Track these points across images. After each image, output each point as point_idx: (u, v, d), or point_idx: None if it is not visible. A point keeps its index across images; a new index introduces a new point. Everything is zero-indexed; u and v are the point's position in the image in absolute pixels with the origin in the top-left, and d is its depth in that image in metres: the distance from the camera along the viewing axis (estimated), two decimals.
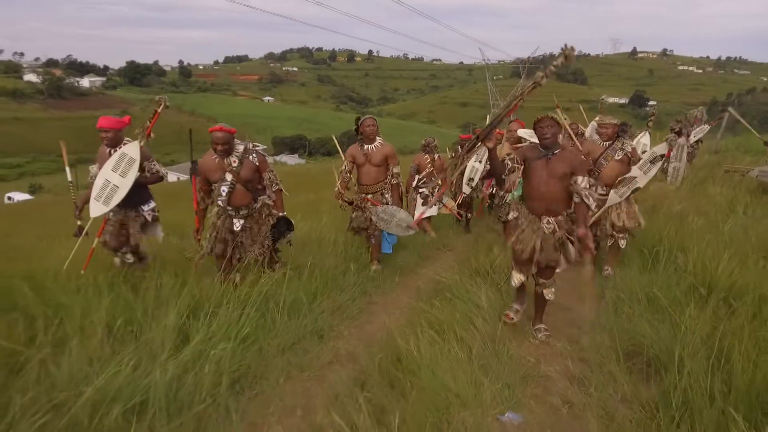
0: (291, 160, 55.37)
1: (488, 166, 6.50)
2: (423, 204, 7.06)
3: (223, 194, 4.23)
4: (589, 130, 8.28)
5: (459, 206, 7.25)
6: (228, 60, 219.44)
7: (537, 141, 4.91)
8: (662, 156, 5.37)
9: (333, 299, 4.53)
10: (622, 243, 5.27)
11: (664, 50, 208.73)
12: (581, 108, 8.32)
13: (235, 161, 4.19)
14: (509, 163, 3.83)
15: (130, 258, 4.59)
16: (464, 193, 7.19)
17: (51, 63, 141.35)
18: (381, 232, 5.49)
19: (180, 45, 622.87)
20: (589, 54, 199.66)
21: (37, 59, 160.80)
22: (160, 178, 4.55)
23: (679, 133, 8.13)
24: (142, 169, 4.33)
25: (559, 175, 3.62)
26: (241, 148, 4.24)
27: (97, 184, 4.21)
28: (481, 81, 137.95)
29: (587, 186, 3.57)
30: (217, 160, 4.19)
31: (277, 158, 56.48)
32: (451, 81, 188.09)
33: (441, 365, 3.03)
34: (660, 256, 4.78)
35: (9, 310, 3.60)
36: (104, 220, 4.51)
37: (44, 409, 2.53)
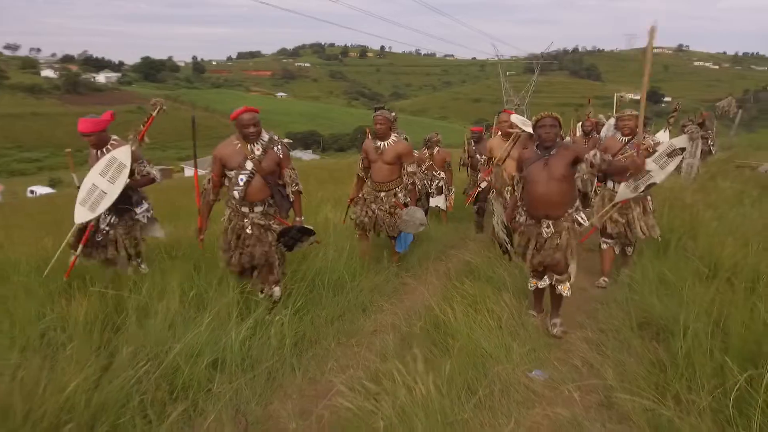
0: (305, 155, 55.86)
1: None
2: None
3: (240, 183, 3.82)
4: (605, 130, 8.51)
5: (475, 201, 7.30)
6: (241, 56, 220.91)
7: (530, 129, 4.89)
8: (682, 149, 4.97)
9: (370, 279, 5.00)
10: (629, 250, 5.23)
11: (680, 46, 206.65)
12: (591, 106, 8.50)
13: (258, 149, 3.84)
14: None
15: (144, 268, 4.49)
16: (480, 187, 6.97)
17: (67, 59, 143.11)
18: (397, 241, 5.42)
19: (194, 41, 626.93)
20: (603, 50, 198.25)
21: (53, 55, 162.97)
22: (152, 180, 4.38)
23: (701, 125, 8.07)
24: (131, 171, 4.14)
25: (560, 174, 3.56)
26: (266, 136, 3.91)
27: (84, 187, 4.05)
28: (493, 77, 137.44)
29: (594, 157, 3.43)
30: (239, 146, 3.83)
31: (292, 153, 57.05)
32: (464, 77, 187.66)
33: (475, 331, 3.48)
34: (671, 244, 5.18)
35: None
36: (88, 229, 4.22)
37: (145, 358, 3.01)
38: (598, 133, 8.11)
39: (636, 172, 3.82)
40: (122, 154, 4.06)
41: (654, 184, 4.92)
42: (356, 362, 3.56)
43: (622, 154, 4.85)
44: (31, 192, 36.23)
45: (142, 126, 4.19)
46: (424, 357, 2.86)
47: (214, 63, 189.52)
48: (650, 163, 4.77)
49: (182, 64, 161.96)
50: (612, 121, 8.01)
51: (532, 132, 4.85)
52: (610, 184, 5.21)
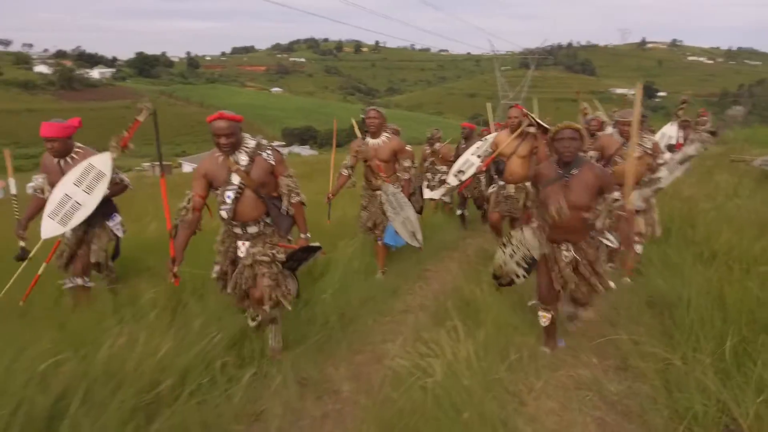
0: (303, 151, 56.13)
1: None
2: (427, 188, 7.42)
3: (228, 201, 3.23)
4: (611, 129, 8.65)
5: (471, 198, 7.43)
6: (235, 51, 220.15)
7: (545, 125, 5.05)
8: (691, 157, 4.96)
9: (395, 266, 5.40)
10: (638, 248, 4.96)
11: (674, 40, 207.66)
12: (597, 103, 8.47)
13: (244, 159, 3.23)
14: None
15: (113, 281, 4.19)
16: (448, 184, 6.73)
17: (60, 54, 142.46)
18: (385, 230, 5.12)
19: (187, 36, 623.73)
20: (597, 44, 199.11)
21: (46, 50, 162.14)
22: (125, 188, 4.08)
23: (713, 134, 8.23)
24: None
25: (581, 203, 3.17)
26: (252, 143, 3.29)
27: (54, 198, 3.66)
28: (488, 72, 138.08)
29: (617, 199, 3.22)
30: (221, 158, 3.23)
31: (290, 149, 57.29)
32: (459, 72, 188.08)
33: (502, 308, 3.89)
34: (672, 232, 5.60)
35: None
36: (55, 245, 3.99)
37: (215, 330, 3.39)
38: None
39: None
40: (101, 161, 3.73)
41: (660, 189, 4.93)
42: (394, 336, 3.96)
43: (619, 155, 4.71)
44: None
45: (125, 132, 3.84)
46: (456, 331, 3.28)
47: (208, 58, 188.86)
48: (662, 170, 4.77)
49: (176, 60, 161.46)
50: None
51: (547, 127, 5.25)
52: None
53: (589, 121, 6.62)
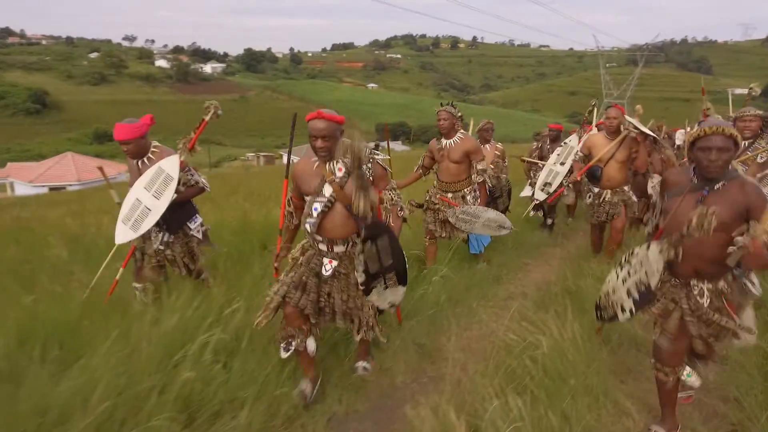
0: (396, 146, 57.12)
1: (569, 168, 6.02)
2: None
3: (314, 214, 2.91)
4: (680, 136, 8.30)
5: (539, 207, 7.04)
6: (335, 47, 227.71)
7: (647, 131, 5.03)
8: None
9: (497, 257, 5.73)
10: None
11: None
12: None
13: (341, 169, 2.90)
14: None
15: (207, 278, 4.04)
16: (536, 200, 6.67)
17: (177, 50, 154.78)
18: (469, 243, 5.22)
19: (291, 32, 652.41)
20: (715, 40, 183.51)
21: (165, 46, 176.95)
22: (201, 190, 3.87)
23: None
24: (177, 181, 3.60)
25: (721, 223, 2.23)
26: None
27: (127, 202, 3.63)
28: (591, 68, 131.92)
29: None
30: (316, 164, 2.94)
31: (383, 144, 58.48)
32: (560, 68, 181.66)
33: None
34: None
35: None
36: (130, 252, 3.91)
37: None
38: (671, 141, 8.01)
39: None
40: (170, 164, 3.59)
41: None
42: (498, 318, 4.31)
43: (741, 162, 4.15)
44: None
45: (193, 133, 3.75)
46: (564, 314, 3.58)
47: (309, 54, 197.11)
48: None
49: (280, 56, 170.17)
50: (683, 131, 7.90)
51: (649, 133, 5.18)
52: None
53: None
